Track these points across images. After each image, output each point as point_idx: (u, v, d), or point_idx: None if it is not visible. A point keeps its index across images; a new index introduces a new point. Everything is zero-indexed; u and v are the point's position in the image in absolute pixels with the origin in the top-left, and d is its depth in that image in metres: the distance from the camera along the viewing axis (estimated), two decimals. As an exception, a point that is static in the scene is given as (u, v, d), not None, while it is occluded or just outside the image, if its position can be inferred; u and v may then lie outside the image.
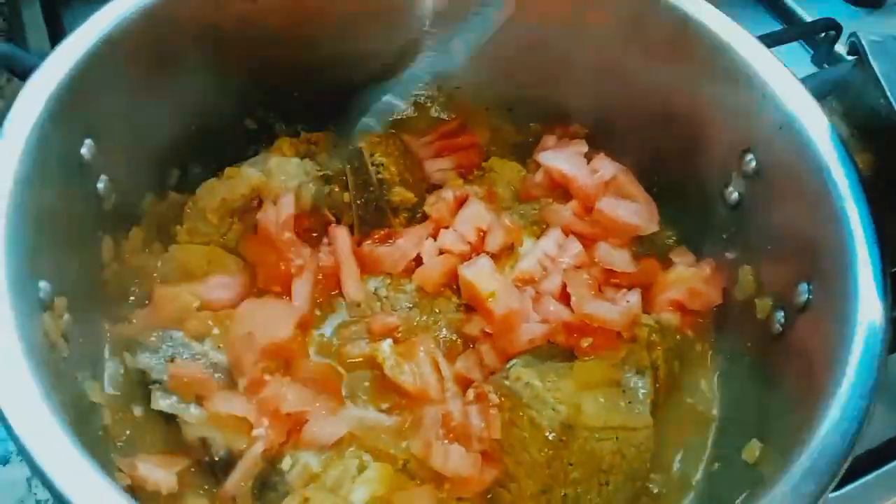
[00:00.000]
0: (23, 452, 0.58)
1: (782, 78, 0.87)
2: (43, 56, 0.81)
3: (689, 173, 1.01)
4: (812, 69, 1.43)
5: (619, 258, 0.97)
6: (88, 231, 0.88)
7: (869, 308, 0.73)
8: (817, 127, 0.84)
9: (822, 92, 0.88)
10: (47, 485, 0.57)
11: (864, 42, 0.75)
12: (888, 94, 0.71)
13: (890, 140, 0.79)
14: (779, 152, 0.87)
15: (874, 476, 0.96)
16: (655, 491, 0.89)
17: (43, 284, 0.74)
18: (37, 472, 0.57)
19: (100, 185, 0.87)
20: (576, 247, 0.99)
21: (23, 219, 0.73)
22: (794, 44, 1.43)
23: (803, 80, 0.88)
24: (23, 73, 0.79)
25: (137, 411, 0.87)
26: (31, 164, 0.75)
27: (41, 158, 0.76)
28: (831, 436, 0.66)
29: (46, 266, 0.76)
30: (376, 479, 0.84)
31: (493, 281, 0.94)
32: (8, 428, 0.59)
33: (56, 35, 1.27)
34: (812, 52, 1.44)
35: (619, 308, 0.91)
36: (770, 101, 0.87)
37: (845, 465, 0.64)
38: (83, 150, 0.83)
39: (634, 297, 0.93)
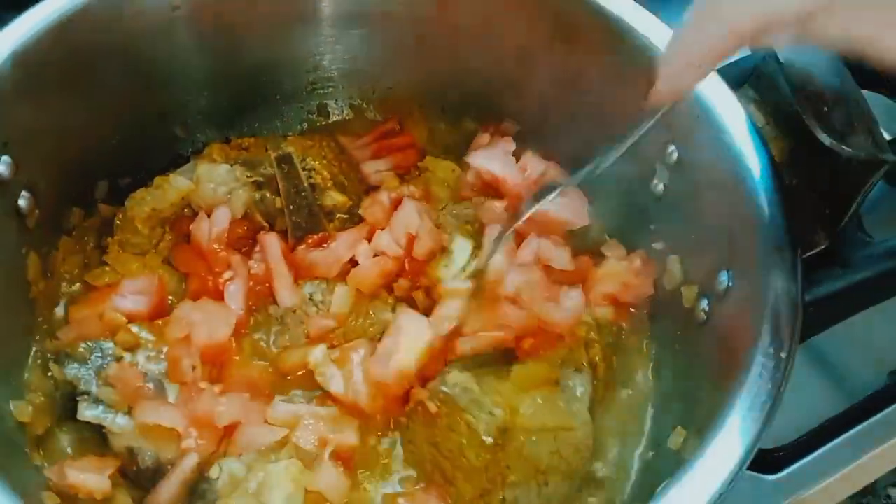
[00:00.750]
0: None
1: (699, 69, 0.88)
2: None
3: (616, 166, 1.01)
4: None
5: (558, 256, 0.97)
6: (12, 249, 0.87)
7: (781, 293, 0.74)
8: (732, 116, 0.85)
9: (738, 80, 0.89)
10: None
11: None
12: (791, 81, 0.72)
13: (802, 126, 0.80)
14: (697, 142, 0.88)
15: (821, 452, 0.96)
16: (599, 475, 0.90)
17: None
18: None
19: (21, 202, 0.86)
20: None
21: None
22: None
23: (720, 70, 0.90)
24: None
25: (65, 425, 0.86)
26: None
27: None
28: (743, 419, 0.67)
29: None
30: (286, 478, 0.83)
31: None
32: None
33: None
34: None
35: (566, 308, 0.91)
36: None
37: (755, 448, 0.66)
38: (1, 168, 0.82)
39: (577, 296, 0.94)
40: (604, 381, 0.95)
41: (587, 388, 0.91)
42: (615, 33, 0.94)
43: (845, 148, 0.75)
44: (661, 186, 0.95)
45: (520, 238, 1.02)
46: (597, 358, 0.95)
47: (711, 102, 0.86)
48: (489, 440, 0.84)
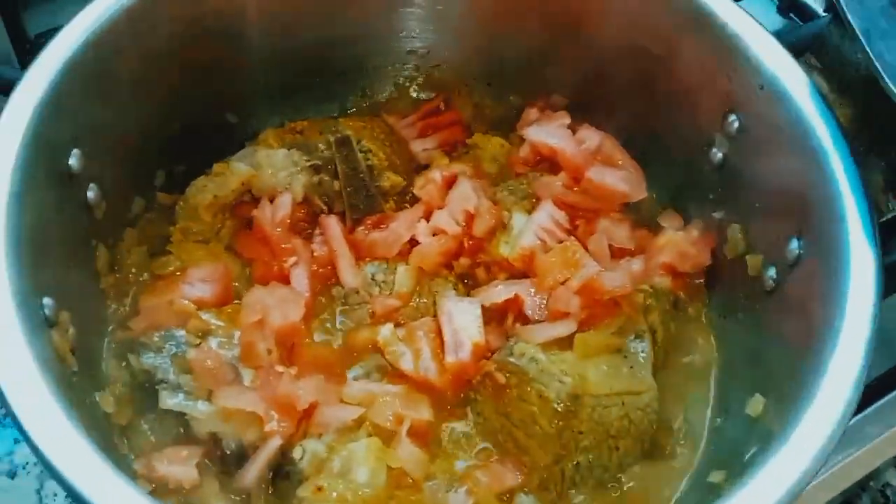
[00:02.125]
0: (52, 472, 0.59)
1: (760, 38, 0.89)
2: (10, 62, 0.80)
3: (673, 136, 1.02)
4: (778, 20, 1.45)
5: (619, 233, 0.98)
6: (82, 242, 0.88)
7: (860, 257, 0.75)
8: (798, 85, 0.85)
9: (799, 49, 0.90)
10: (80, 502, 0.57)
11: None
12: (867, 48, 0.72)
13: (869, 93, 0.81)
14: (761, 112, 0.88)
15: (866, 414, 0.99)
16: (668, 450, 0.91)
17: (47, 301, 0.74)
18: (70, 491, 0.58)
19: (90, 194, 0.87)
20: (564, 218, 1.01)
21: (20, 236, 0.72)
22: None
23: (779, 38, 0.90)
24: (3, 88, 0.78)
25: (147, 413, 0.88)
26: (22, 180, 0.74)
27: (31, 173, 0.76)
28: (835, 386, 0.68)
29: (47, 282, 0.76)
30: (369, 456, 0.84)
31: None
32: (36, 450, 0.59)
33: (18, 38, 1.25)
34: (776, 2, 1.46)
35: (624, 277, 0.92)
36: (750, 62, 0.88)
37: (850, 415, 0.67)
38: (71, 161, 0.83)
39: (638, 264, 0.95)
40: (664, 347, 0.96)
41: (649, 353, 0.93)
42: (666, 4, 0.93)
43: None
44: (720, 155, 0.96)
45: (569, 209, 1.02)
46: (656, 324, 0.96)
47: (775, 71, 0.87)
48: (561, 407, 0.85)
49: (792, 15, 1.45)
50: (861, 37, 0.72)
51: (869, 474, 1.05)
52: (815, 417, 0.67)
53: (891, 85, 0.70)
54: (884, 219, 0.80)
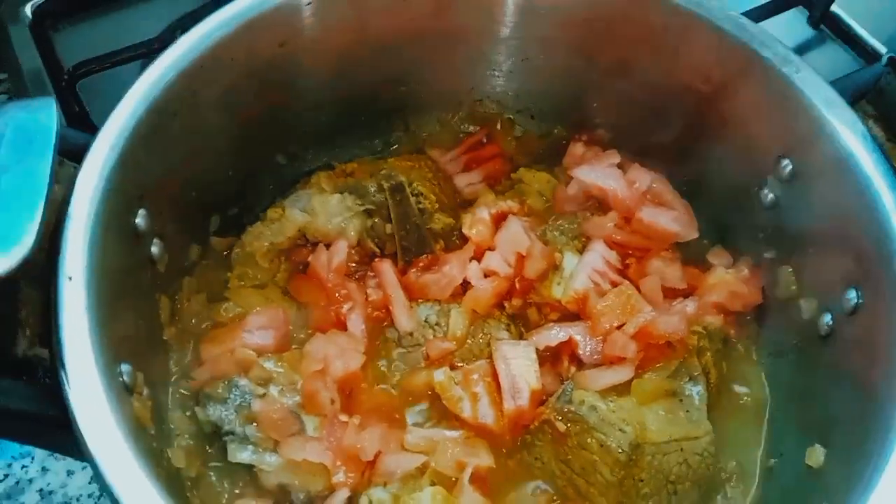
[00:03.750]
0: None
1: (815, 84, 0.89)
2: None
3: (723, 177, 1.03)
4: (810, 32, 1.46)
5: (671, 273, 0.99)
6: (147, 296, 0.89)
7: (922, 316, 0.76)
8: (853, 133, 0.85)
9: (855, 95, 0.90)
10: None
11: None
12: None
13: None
14: (815, 158, 0.89)
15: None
16: (722, 481, 0.93)
17: (125, 367, 0.76)
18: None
19: (154, 249, 0.88)
20: (615, 259, 1.02)
21: (100, 306, 0.73)
22: (793, 10, 1.45)
23: (835, 84, 0.90)
24: (72, 155, 0.79)
25: (215, 465, 0.89)
26: (97, 250, 0.75)
27: (104, 241, 0.77)
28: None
29: (121, 345, 0.77)
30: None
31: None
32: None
33: (55, 70, 1.26)
34: (808, 13, 1.45)
35: (678, 319, 0.93)
36: (804, 108, 0.89)
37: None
38: (138, 220, 0.84)
39: (692, 306, 0.96)
40: (716, 388, 0.98)
41: (704, 395, 0.94)
42: (727, 45, 0.94)
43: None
44: (771, 196, 0.96)
45: (620, 248, 1.04)
46: (709, 365, 0.97)
47: (829, 118, 0.87)
48: (622, 456, 0.87)
49: (823, 27, 1.46)
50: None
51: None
52: (890, 479, 0.68)
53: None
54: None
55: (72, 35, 1.37)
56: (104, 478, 0.64)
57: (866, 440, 0.74)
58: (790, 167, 0.93)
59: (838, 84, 0.90)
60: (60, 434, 0.66)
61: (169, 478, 0.81)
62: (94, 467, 0.65)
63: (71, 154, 0.79)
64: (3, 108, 0.65)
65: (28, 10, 1.36)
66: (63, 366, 0.65)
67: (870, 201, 0.83)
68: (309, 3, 0.93)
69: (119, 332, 0.78)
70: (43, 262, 0.72)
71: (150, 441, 0.77)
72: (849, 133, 0.85)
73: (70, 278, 0.70)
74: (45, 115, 0.66)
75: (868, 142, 0.84)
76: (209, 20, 0.89)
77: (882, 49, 1.35)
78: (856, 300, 0.84)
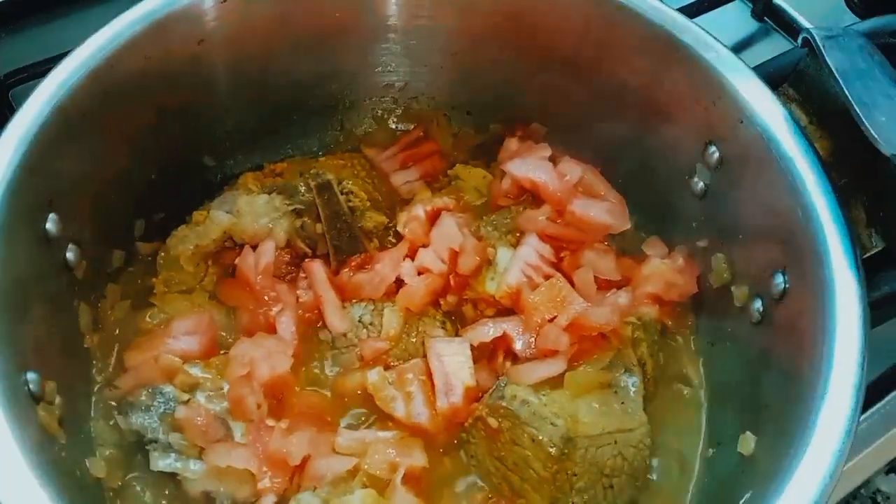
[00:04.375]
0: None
1: (738, 70, 0.89)
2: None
3: (654, 165, 1.02)
4: (754, 25, 1.46)
5: (605, 265, 0.99)
6: (64, 304, 0.87)
7: (845, 294, 0.75)
8: (776, 118, 0.85)
9: (776, 80, 0.90)
10: None
11: (817, 39, 0.76)
12: (845, 90, 0.72)
13: (848, 125, 0.81)
14: (741, 144, 0.89)
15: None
16: (656, 478, 0.92)
17: (31, 376, 0.73)
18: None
19: (69, 255, 0.86)
20: (549, 252, 1.01)
21: (1, 313, 0.71)
22: (737, 3, 1.45)
23: (757, 69, 0.90)
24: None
25: (139, 474, 0.87)
26: (-1, 255, 0.73)
27: (8, 246, 0.74)
28: (828, 429, 0.69)
29: (29, 354, 0.75)
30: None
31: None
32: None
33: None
34: (751, 6, 1.46)
35: (611, 311, 0.92)
36: (728, 95, 0.88)
37: (844, 458, 0.67)
38: (48, 226, 0.81)
39: (624, 297, 0.95)
40: (653, 379, 0.97)
41: (639, 387, 0.93)
42: (650, 34, 0.93)
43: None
44: (701, 185, 0.96)
45: (554, 241, 1.02)
46: (645, 356, 0.96)
47: (753, 103, 0.87)
48: (554, 451, 0.85)
49: (767, 19, 1.46)
50: (839, 77, 0.73)
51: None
52: (810, 464, 0.67)
53: (868, 126, 0.70)
54: (868, 254, 0.80)
55: (7, 44, 1.34)
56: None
57: (791, 425, 0.73)
58: (717, 154, 0.92)
59: (760, 69, 0.90)
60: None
61: (85, 489, 0.78)
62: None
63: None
64: None
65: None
66: (-48, 375, 0.63)
67: (792, 183, 0.82)
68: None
69: (27, 340, 0.76)
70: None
71: (60, 451, 0.74)
72: (770, 116, 0.85)
73: (-36, 284, 0.67)
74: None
75: (790, 124, 0.84)
76: (121, 18, 0.87)
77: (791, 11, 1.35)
78: (783, 284, 0.84)
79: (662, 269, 1.00)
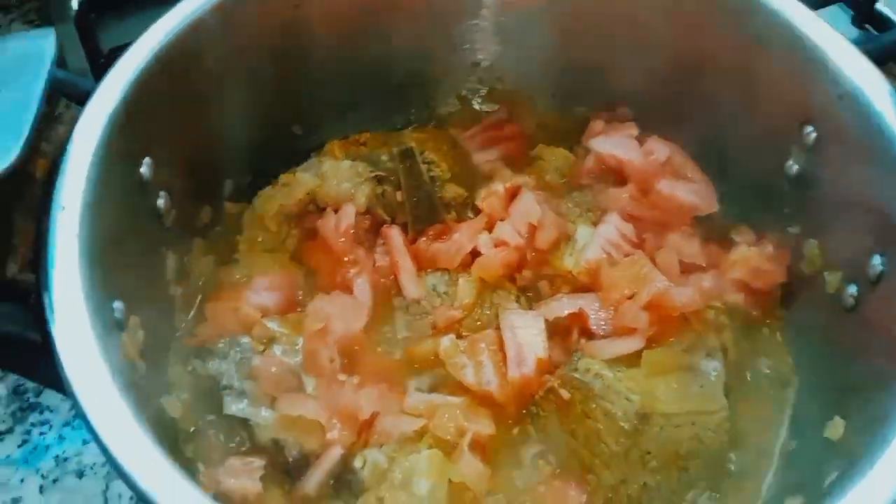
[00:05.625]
0: (120, 473, 0.60)
1: (840, 46, 0.85)
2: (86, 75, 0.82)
3: (745, 149, 0.99)
4: (853, 31, 1.41)
5: (689, 249, 0.96)
6: (153, 250, 0.90)
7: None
8: (880, 94, 0.81)
9: (880, 58, 0.86)
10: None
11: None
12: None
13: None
14: (840, 123, 0.85)
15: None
16: (734, 469, 0.88)
17: (117, 304, 0.75)
18: (137, 492, 0.59)
19: (160, 202, 0.88)
20: (631, 231, 0.99)
21: (94, 242, 0.73)
22: (834, 7, 1.40)
23: (860, 46, 0.86)
24: (79, 99, 0.80)
25: (211, 419, 0.88)
26: (96, 186, 0.75)
27: (105, 180, 0.77)
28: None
29: (118, 286, 0.77)
30: (430, 468, 0.83)
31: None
32: (106, 452, 0.60)
33: (93, 53, 1.29)
34: (852, 13, 1.41)
35: (694, 293, 0.90)
36: (828, 71, 0.85)
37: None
38: (143, 169, 0.84)
39: (709, 280, 0.92)
40: (736, 366, 0.93)
41: (721, 372, 0.90)
42: (744, 8, 0.91)
43: None
44: (795, 168, 0.92)
45: (636, 221, 1.00)
46: (728, 342, 0.93)
47: (855, 80, 0.83)
48: (628, 426, 0.83)
49: (868, 27, 1.41)
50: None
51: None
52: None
53: None
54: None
55: (112, 21, 1.40)
56: (79, 403, 0.63)
57: (884, 410, 0.69)
58: (814, 134, 0.88)
59: (864, 46, 0.86)
60: (41, 361, 0.66)
61: (161, 423, 0.80)
62: (71, 394, 0.64)
63: (79, 99, 0.81)
64: (5, 37, 0.67)
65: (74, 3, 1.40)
66: (48, 287, 0.65)
67: (894, 163, 0.78)
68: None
69: (117, 274, 0.78)
70: (40, 197, 0.73)
71: (140, 380, 0.76)
72: (874, 91, 0.81)
73: (64, 208, 0.70)
74: (44, 42, 0.68)
75: (895, 99, 0.80)
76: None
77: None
78: (880, 267, 0.79)
79: (751, 256, 0.96)
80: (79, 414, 0.62)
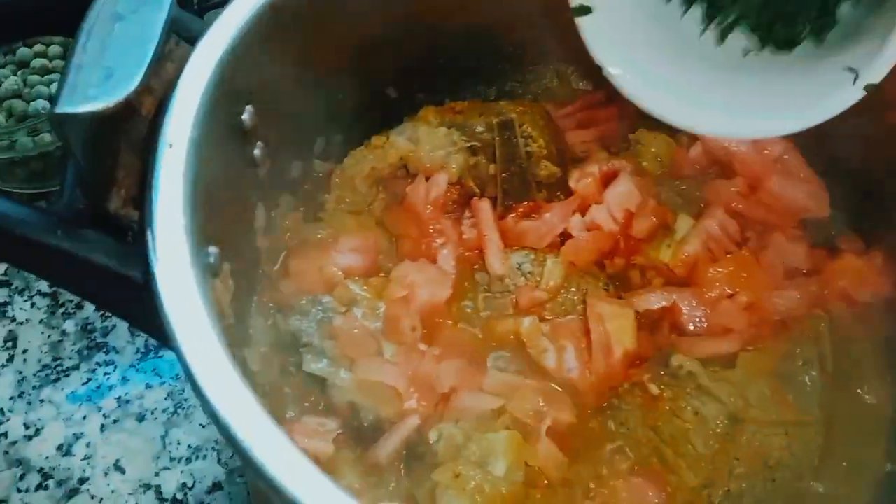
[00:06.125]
0: (217, 422, 0.59)
1: None
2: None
3: (864, 157, 0.93)
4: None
5: (794, 252, 0.91)
6: (246, 197, 0.89)
7: None
8: None
9: None
10: (245, 456, 0.57)
11: None
12: None
13: None
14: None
15: None
16: (821, 491, 0.84)
17: (212, 249, 0.74)
18: (228, 435, 0.58)
19: (256, 152, 0.87)
20: (734, 228, 0.94)
21: (196, 182, 0.72)
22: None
23: None
24: (189, 38, 0.79)
25: (289, 377, 0.87)
26: (200, 128, 0.74)
27: (210, 124, 0.75)
28: None
29: (215, 231, 0.76)
30: (508, 449, 0.81)
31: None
32: (200, 394, 0.59)
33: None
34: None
35: (794, 299, 0.85)
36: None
37: None
38: (244, 116, 0.83)
39: (813, 287, 0.88)
40: (833, 380, 0.88)
41: (817, 383, 0.85)
42: None
43: None
44: (917, 177, 0.87)
45: (740, 218, 0.96)
46: (826, 353, 0.88)
47: None
48: (719, 429, 0.80)
49: None
50: None
51: None
52: None
53: None
54: None
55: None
56: (178, 346, 0.62)
57: None
58: (947, 142, 0.83)
59: None
60: (136, 300, 0.65)
61: (244, 375, 0.79)
62: (171, 335, 0.63)
63: (190, 39, 0.80)
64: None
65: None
66: (151, 224, 0.64)
67: None
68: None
69: (213, 218, 0.77)
70: (146, 134, 0.72)
71: (228, 329, 0.75)
72: None
73: (171, 145, 0.69)
74: (168, -25, 0.66)
75: None
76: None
77: None
78: None
79: (857, 265, 0.92)
80: (178, 357, 0.61)
